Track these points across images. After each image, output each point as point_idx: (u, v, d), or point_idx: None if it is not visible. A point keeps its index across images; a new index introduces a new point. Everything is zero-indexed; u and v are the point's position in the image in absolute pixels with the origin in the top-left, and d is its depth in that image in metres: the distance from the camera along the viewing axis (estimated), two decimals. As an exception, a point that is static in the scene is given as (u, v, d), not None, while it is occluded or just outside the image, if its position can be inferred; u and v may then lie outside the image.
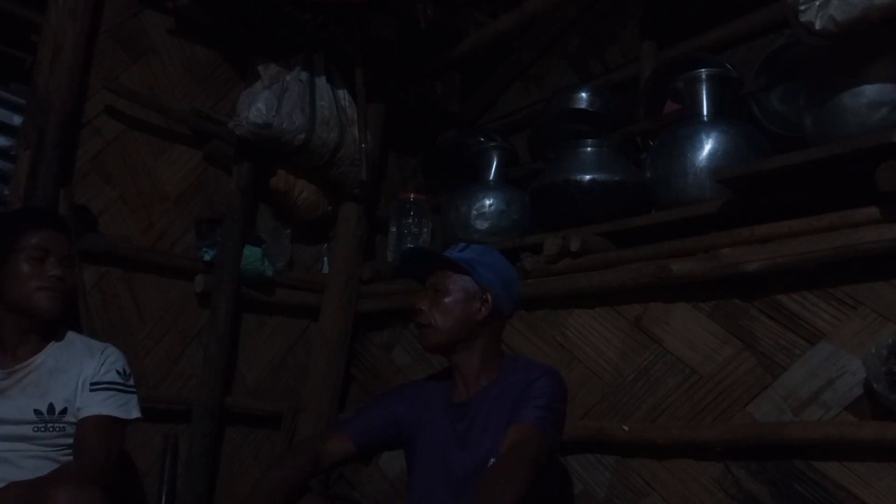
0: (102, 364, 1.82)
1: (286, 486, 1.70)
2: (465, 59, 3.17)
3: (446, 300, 1.76)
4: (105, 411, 1.77)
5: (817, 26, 1.72)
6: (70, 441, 1.75)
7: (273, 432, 2.80)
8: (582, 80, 3.01)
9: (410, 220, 2.98)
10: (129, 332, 2.49)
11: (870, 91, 1.77)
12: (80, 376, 1.79)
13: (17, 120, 2.35)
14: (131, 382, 1.87)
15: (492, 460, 1.61)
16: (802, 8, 1.75)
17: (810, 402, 1.79)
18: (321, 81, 2.76)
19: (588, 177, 2.34)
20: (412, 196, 3.02)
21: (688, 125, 2.23)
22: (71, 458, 1.74)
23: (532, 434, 1.58)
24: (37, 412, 1.73)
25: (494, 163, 2.83)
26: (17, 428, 1.71)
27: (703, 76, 2.26)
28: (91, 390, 1.78)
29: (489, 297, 1.78)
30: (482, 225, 2.67)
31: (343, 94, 2.83)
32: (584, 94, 2.78)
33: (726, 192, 2.01)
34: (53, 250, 1.79)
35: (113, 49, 2.54)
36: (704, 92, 2.26)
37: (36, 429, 1.72)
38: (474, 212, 2.68)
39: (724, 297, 2.00)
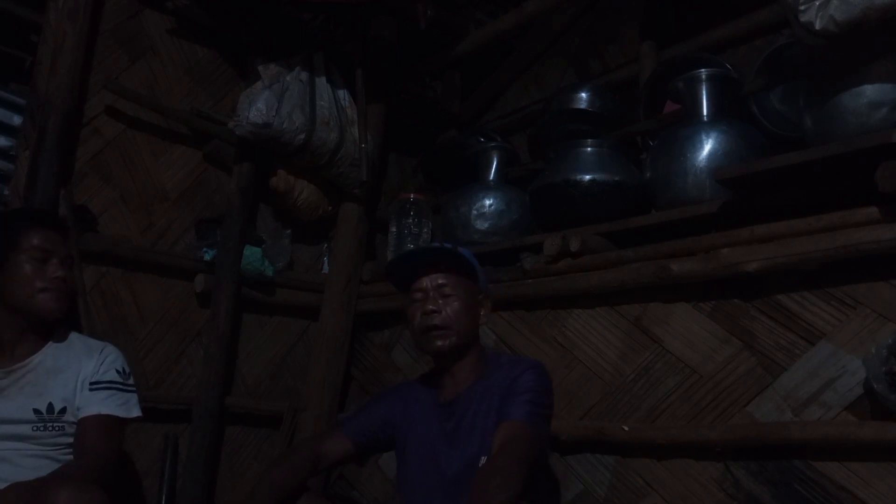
0: (101, 363, 1.82)
1: (285, 486, 1.71)
2: (465, 59, 3.17)
3: (458, 303, 1.74)
4: (105, 410, 1.77)
5: (817, 26, 1.72)
6: (70, 440, 1.75)
7: (273, 432, 2.80)
8: (582, 80, 3.01)
9: (410, 220, 2.97)
10: (129, 332, 2.49)
11: (870, 91, 1.77)
12: (79, 376, 1.79)
13: (17, 120, 2.35)
14: (131, 381, 1.87)
15: (482, 458, 1.61)
16: (802, 8, 1.75)
17: (810, 402, 1.80)
18: (321, 81, 2.75)
19: (588, 177, 2.34)
20: (412, 196, 3.02)
21: (688, 125, 2.23)
22: (71, 457, 1.74)
23: (522, 430, 1.58)
24: (36, 412, 1.73)
25: (494, 163, 2.83)
26: (17, 427, 1.71)
27: (703, 76, 2.27)
28: (90, 390, 1.78)
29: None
30: (482, 225, 2.67)
31: (343, 94, 2.83)
32: (584, 94, 2.79)
33: (726, 192, 2.01)
34: (55, 251, 1.80)
35: (113, 49, 2.53)
36: (704, 92, 2.26)
37: (35, 428, 1.72)
38: (474, 212, 2.68)
39: (723, 297, 2.00)
